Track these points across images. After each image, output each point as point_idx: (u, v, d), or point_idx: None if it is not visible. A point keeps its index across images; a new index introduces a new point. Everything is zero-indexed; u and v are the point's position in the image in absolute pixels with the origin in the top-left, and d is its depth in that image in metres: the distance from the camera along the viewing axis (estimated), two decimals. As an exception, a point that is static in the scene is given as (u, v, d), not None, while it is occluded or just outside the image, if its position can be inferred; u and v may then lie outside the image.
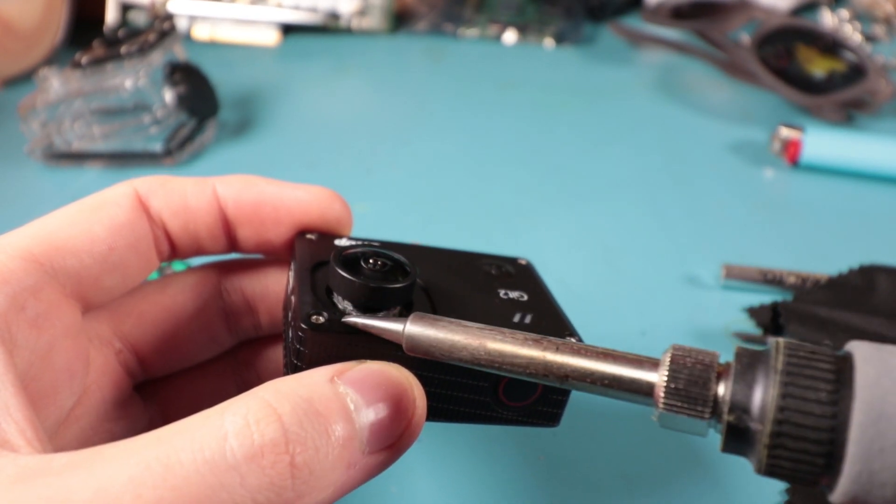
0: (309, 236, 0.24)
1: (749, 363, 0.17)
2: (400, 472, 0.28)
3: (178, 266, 0.29)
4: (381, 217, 0.43)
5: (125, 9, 0.65)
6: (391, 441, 0.18)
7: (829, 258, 0.39)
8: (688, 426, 0.17)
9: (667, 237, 0.41)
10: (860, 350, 0.16)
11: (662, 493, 0.27)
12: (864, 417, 0.15)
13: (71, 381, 0.20)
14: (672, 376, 0.17)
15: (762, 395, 0.16)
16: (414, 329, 0.19)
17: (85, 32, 0.60)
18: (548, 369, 0.18)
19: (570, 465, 0.28)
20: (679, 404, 0.17)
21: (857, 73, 0.53)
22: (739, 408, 0.16)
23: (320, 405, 0.17)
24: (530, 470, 0.28)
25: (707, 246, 0.41)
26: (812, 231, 0.42)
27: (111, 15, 0.65)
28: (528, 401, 0.21)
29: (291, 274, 0.23)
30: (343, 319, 0.20)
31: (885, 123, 0.54)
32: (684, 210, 0.44)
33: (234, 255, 0.26)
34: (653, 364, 0.18)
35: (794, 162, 0.47)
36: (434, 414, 0.21)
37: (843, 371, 0.16)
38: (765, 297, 0.36)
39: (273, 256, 0.26)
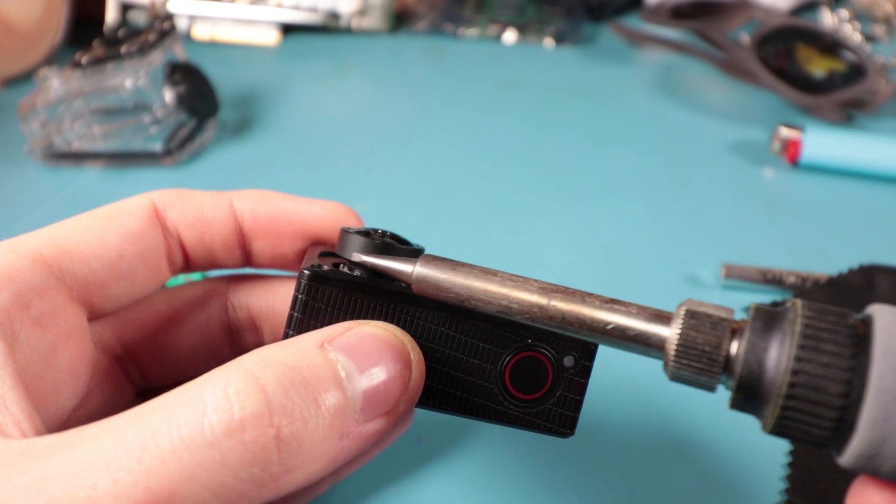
0: (320, 248, 0.24)
1: (765, 321, 0.16)
2: (400, 471, 0.28)
3: (175, 280, 0.29)
4: (380, 217, 0.43)
5: (125, 9, 0.65)
6: (388, 407, 0.18)
7: (829, 258, 0.39)
8: (698, 381, 0.17)
9: (667, 237, 0.41)
10: (881, 314, 0.15)
11: (662, 492, 0.27)
12: (880, 384, 0.14)
13: (74, 383, 0.20)
14: (685, 333, 0.16)
15: (777, 353, 0.15)
16: (424, 269, 0.19)
17: (85, 32, 0.60)
18: (553, 316, 0.17)
19: (570, 464, 0.28)
20: (691, 362, 0.16)
21: (857, 72, 0.53)
22: (753, 366, 0.16)
23: (309, 373, 0.16)
24: (530, 470, 0.28)
25: (707, 246, 0.41)
26: (812, 231, 0.42)
27: (111, 15, 0.65)
28: (538, 393, 0.20)
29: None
30: (351, 256, 0.19)
31: (885, 123, 0.54)
32: (684, 210, 0.44)
33: (246, 270, 0.26)
34: (665, 318, 0.17)
35: (794, 162, 0.47)
36: (435, 398, 0.20)
37: (862, 335, 0.15)
38: (765, 297, 0.36)
39: (286, 270, 0.26)
